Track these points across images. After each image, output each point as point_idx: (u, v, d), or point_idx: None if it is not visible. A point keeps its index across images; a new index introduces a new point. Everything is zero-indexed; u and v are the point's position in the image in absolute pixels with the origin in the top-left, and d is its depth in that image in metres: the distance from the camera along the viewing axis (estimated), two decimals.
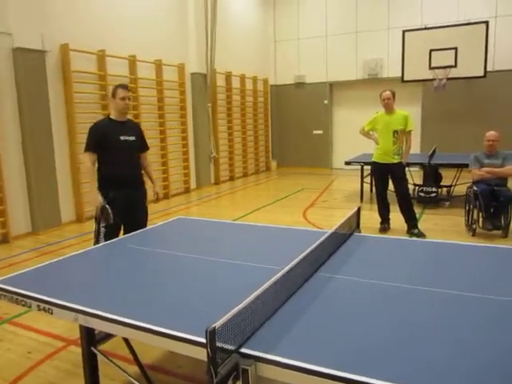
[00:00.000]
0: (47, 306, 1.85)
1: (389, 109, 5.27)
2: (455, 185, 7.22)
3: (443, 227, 5.74)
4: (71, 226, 6.38)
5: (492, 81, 9.49)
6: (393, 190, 5.43)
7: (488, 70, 9.13)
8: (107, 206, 3.33)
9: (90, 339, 2.21)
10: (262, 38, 11.96)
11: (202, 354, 1.38)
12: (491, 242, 4.87)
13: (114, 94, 3.48)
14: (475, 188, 5.27)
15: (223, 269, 2.27)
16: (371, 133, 5.54)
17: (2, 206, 5.56)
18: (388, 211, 5.59)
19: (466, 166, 5.73)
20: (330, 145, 12.28)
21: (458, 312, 1.69)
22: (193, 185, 9.32)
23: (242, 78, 10.93)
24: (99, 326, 1.81)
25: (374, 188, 6.17)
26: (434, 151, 7.38)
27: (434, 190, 6.83)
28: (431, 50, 9.31)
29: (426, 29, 9.53)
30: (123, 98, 3.45)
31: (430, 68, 9.41)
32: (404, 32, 9.59)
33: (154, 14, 7.99)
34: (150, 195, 3.79)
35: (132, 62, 7.47)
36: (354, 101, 11.68)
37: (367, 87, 11.12)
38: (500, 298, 1.79)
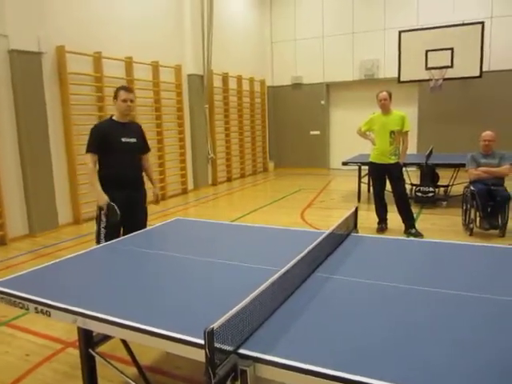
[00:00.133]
0: (45, 309, 1.85)
1: (385, 109, 5.28)
2: (452, 184, 7.24)
3: (441, 227, 5.76)
4: (68, 228, 6.36)
5: (488, 81, 9.54)
6: (390, 190, 5.45)
7: (484, 70, 9.18)
8: (113, 204, 3.33)
9: (88, 341, 2.21)
10: (259, 39, 11.97)
11: (200, 355, 1.37)
12: (488, 241, 4.89)
13: (116, 96, 3.50)
14: (472, 188, 5.28)
15: (221, 270, 2.27)
16: (368, 133, 5.55)
17: None
18: (385, 211, 5.59)
19: (463, 165, 5.74)
20: (327, 145, 12.30)
21: (455, 312, 1.69)
22: (190, 186, 9.31)
23: (239, 79, 10.93)
24: (97, 328, 1.81)
25: (371, 188, 6.17)
26: (430, 151, 7.40)
27: (431, 189, 6.86)
28: (427, 51, 9.35)
29: (422, 29, 9.57)
30: (125, 100, 3.46)
31: (427, 68, 9.45)
32: (400, 33, 9.63)
33: (150, 15, 7.99)
34: (150, 196, 3.80)
35: (128, 63, 7.46)
36: (350, 101, 11.70)
37: (364, 88, 11.14)
38: (497, 297, 1.80)
